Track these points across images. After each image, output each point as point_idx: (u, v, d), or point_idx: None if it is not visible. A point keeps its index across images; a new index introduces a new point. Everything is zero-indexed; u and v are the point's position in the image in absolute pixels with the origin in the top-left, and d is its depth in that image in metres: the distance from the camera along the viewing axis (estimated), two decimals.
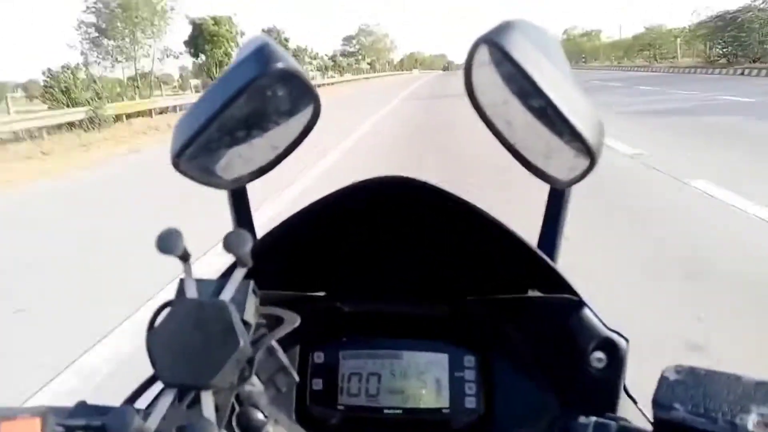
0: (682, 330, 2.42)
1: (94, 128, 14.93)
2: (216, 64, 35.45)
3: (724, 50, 30.62)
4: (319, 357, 0.65)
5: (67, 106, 16.95)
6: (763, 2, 27.87)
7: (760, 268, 3.04)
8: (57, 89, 18.15)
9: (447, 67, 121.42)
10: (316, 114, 0.50)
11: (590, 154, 0.42)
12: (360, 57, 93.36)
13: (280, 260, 0.61)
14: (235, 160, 0.53)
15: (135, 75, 31.99)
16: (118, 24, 31.39)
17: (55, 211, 6.11)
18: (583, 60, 73.72)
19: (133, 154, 10.82)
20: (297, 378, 0.45)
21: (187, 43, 39.14)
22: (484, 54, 0.43)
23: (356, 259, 0.66)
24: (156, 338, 0.38)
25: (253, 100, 0.48)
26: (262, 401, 0.43)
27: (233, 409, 0.42)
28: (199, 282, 0.41)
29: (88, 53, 32.46)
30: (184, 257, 0.40)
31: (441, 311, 0.64)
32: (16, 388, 2.38)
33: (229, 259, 0.43)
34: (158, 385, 0.39)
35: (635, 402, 0.60)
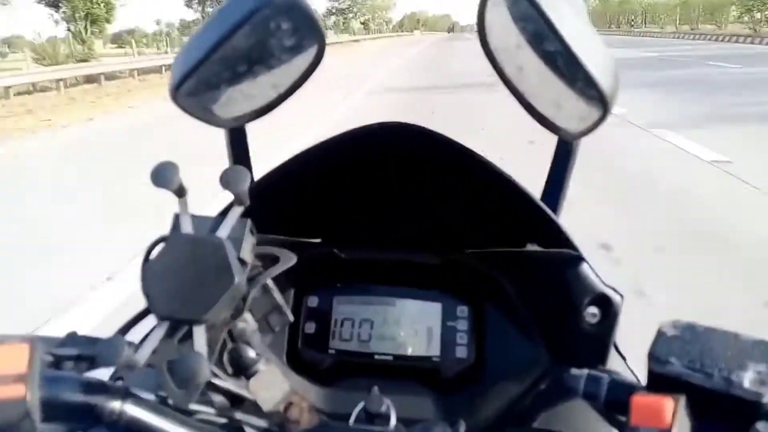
0: None
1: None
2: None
3: None
4: (312, 301, 0.65)
5: None
6: None
7: None
8: None
9: (452, 29, 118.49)
10: (321, 52, 0.49)
11: (603, 102, 0.41)
12: (351, 15, 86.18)
13: (277, 204, 0.60)
14: (236, 98, 0.52)
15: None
16: None
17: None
18: (631, 22, 52.33)
19: None
20: (291, 317, 0.45)
21: None
22: None
23: (354, 206, 0.65)
24: (150, 271, 0.38)
25: (255, 32, 0.46)
26: (254, 339, 0.43)
27: (225, 345, 0.42)
28: (195, 218, 0.40)
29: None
30: (180, 192, 0.39)
31: (437, 261, 0.64)
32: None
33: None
34: (151, 320, 0.39)
35: (624, 359, 0.61)
